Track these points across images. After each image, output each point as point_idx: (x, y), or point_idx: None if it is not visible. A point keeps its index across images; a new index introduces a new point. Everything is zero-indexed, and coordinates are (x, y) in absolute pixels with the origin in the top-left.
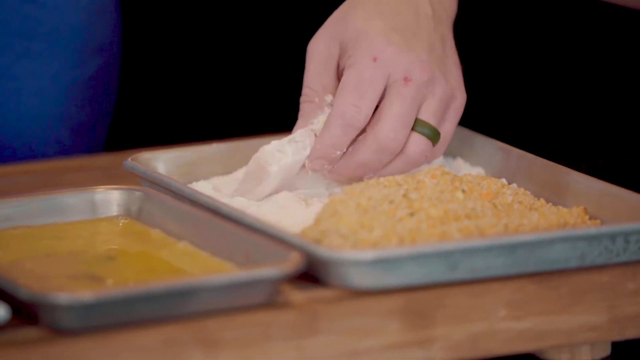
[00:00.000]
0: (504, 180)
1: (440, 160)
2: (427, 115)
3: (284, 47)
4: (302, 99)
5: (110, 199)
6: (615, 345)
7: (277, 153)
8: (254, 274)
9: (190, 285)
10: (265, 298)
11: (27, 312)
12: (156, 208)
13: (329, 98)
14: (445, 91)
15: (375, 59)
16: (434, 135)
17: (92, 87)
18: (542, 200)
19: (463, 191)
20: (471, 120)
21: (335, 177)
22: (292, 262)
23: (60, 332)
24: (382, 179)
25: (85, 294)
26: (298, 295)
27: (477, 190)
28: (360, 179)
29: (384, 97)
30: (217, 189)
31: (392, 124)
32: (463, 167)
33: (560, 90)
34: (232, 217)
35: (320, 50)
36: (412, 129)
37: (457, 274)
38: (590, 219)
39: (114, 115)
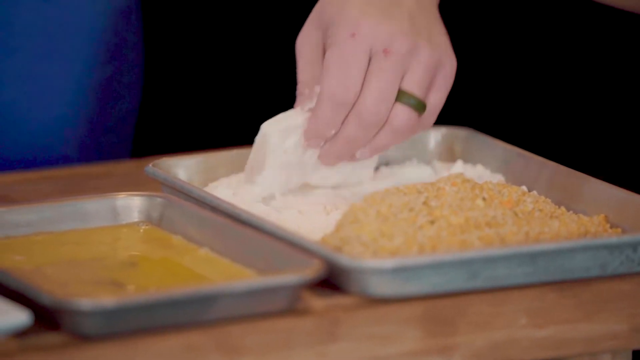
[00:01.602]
0: (524, 188)
1: (460, 167)
2: (411, 85)
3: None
4: (297, 94)
5: (132, 205)
6: (636, 353)
7: (275, 128)
8: (274, 280)
9: (211, 291)
10: (286, 305)
11: (49, 318)
12: (177, 214)
13: (318, 88)
14: (430, 59)
15: (353, 35)
16: (419, 106)
17: (113, 89)
18: (563, 208)
19: (484, 199)
20: (493, 127)
21: (327, 160)
22: (312, 269)
23: (82, 337)
24: (402, 187)
25: (108, 300)
26: (318, 302)
27: (498, 198)
28: (352, 157)
29: (367, 70)
30: (237, 194)
31: (372, 99)
32: (484, 175)
33: (583, 98)
34: (252, 223)
35: (305, 42)
36: (397, 99)
37: (477, 283)
38: (611, 227)
39: (139, 118)
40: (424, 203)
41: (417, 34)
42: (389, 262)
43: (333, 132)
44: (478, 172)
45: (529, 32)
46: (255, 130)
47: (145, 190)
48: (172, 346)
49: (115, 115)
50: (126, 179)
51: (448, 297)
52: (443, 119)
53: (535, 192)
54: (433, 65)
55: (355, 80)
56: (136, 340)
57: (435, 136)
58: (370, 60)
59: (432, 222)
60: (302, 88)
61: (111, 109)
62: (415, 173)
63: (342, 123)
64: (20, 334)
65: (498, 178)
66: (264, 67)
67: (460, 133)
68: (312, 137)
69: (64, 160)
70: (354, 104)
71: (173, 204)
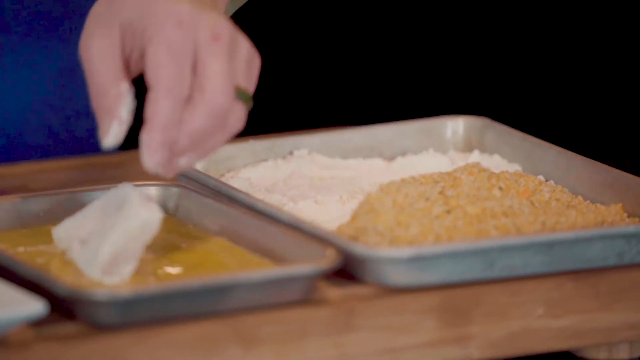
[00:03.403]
0: (541, 178)
1: (477, 157)
2: (239, 78)
3: (322, 38)
4: (93, 101)
5: (148, 194)
6: None
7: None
8: (290, 270)
9: (227, 281)
10: (302, 295)
11: (64, 308)
12: (193, 204)
13: (123, 86)
14: (248, 51)
15: (180, 23)
16: (247, 99)
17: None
18: (580, 198)
19: (500, 188)
20: (510, 116)
21: (175, 168)
22: (328, 259)
23: (98, 327)
24: (418, 177)
25: (123, 290)
26: (334, 292)
27: (515, 187)
28: (174, 167)
29: (197, 61)
30: (253, 184)
31: (219, 85)
32: (500, 164)
33: (601, 87)
34: (268, 213)
35: (96, 44)
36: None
37: (494, 272)
38: (628, 216)
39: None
40: (441, 193)
41: (230, 25)
42: (405, 252)
43: (175, 132)
44: (495, 162)
45: (548, 21)
46: (269, 121)
47: (161, 180)
48: (187, 336)
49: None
50: (142, 169)
51: (464, 286)
52: (459, 109)
53: (552, 181)
54: (250, 58)
55: (188, 70)
56: (152, 330)
57: (452, 126)
58: (197, 49)
59: (448, 212)
60: (103, 91)
61: (83, 96)
62: (431, 163)
63: (188, 118)
64: (36, 323)
65: (515, 168)
66: (278, 57)
67: (477, 122)
68: (157, 146)
69: (34, 149)
70: (198, 95)
71: (189, 194)
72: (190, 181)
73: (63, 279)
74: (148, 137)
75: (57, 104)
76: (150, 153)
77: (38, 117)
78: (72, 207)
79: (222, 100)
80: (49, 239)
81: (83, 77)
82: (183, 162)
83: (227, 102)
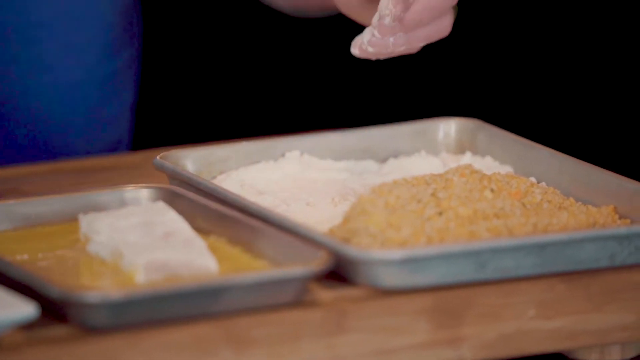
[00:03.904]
0: (533, 179)
1: (469, 158)
2: None
3: (314, 40)
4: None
5: (140, 197)
6: None
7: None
8: (282, 272)
9: (219, 283)
10: (294, 297)
11: (56, 311)
12: (185, 206)
13: None
14: None
15: None
16: (456, 12)
17: (118, 81)
18: (572, 199)
19: (492, 190)
20: (502, 118)
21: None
22: (320, 261)
23: (89, 330)
24: (410, 178)
25: (115, 292)
26: (326, 294)
27: (506, 189)
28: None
29: None
30: (245, 186)
31: None
32: (492, 166)
33: (592, 89)
34: (260, 215)
35: None
36: None
37: (486, 274)
38: (620, 218)
39: (137, 112)
40: (432, 194)
41: None
42: (397, 253)
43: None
44: (487, 164)
45: (539, 24)
46: (263, 123)
47: (152, 182)
48: (180, 338)
49: (117, 108)
50: (134, 172)
51: (456, 288)
52: (452, 110)
53: (544, 183)
54: None
55: None
56: (144, 333)
57: (444, 127)
58: None
59: (440, 214)
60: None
61: (114, 102)
62: (423, 164)
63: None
64: (27, 326)
65: (507, 169)
66: (269, 58)
67: (469, 124)
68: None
69: (67, 150)
70: None
71: (181, 196)
72: (182, 183)
73: (54, 281)
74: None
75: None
76: (391, 1)
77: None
78: (65, 210)
79: None
80: (36, 242)
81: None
82: (393, 41)
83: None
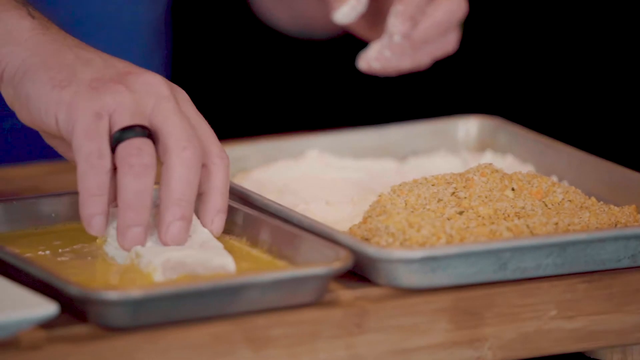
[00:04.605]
0: (554, 178)
1: (489, 157)
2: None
3: (334, 39)
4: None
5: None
6: None
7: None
8: (302, 271)
9: (238, 282)
10: (314, 296)
11: (75, 309)
12: None
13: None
14: None
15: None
16: (461, 27)
17: None
18: (593, 199)
19: (513, 189)
20: (523, 116)
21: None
22: (340, 261)
23: (109, 328)
24: (430, 178)
25: (134, 291)
26: (346, 294)
27: (527, 188)
28: None
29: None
30: (264, 185)
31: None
32: (513, 165)
33: (614, 88)
34: (280, 214)
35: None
36: None
37: (506, 273)
38: None
39: None
40: (453, 194)
41: None
42: (417, 253)
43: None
44: (508, 162)
45: (563, 22)
46: (279, 121)
47: None
48: (199, 337)
49: None
50: (158, 169)
51: (477, 288)
52: (472, 108)
53: (565, 182)
54: None
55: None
56: (163, 332)
57: (464, 126)
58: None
59: (460, 213)
60: None
61: None
62: (443, 163)
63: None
64: (47, 325)
65: (528, 168)
66: (287, 58)
67: (490, 122)
68: (407, 14)
69: None
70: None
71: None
72: None
73: (74, 280)
74: (402, 8)
75: None
76: (400, 20)
77: None
78: (73, 209)
79: (457, 7)
80: (55, 241)
81: None
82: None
83: (461, 13)
